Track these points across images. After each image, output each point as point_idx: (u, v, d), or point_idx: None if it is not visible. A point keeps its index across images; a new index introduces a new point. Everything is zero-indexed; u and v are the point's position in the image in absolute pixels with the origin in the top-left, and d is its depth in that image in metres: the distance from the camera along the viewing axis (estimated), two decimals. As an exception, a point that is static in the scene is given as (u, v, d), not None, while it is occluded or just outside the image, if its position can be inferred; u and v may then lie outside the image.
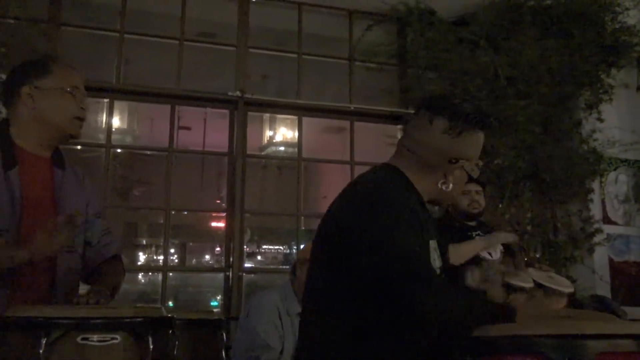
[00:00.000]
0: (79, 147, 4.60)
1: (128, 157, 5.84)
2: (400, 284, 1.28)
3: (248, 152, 4.84)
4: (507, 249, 2.80)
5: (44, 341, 1.04)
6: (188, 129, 7.00)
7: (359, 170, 4.99)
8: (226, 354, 1.51)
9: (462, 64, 4.85)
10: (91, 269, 1.81)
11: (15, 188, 1.63)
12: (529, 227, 4.91)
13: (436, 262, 1.49)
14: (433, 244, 1.50)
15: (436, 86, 4.93)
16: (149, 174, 5.56)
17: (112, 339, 1.09)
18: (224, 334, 1.54)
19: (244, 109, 4.68)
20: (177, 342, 1.23)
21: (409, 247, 1.33)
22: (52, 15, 4.33)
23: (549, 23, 4.70)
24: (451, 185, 1.51)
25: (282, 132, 6.47)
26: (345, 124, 5.03)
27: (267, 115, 6.23)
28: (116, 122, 5.70)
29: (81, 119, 1.77)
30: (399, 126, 5.03)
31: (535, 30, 4.67)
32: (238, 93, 4.64)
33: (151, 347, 1.10)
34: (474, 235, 2.81)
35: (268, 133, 6.57)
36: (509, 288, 2.24)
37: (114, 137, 5.34)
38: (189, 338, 1.42)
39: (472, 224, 2.89)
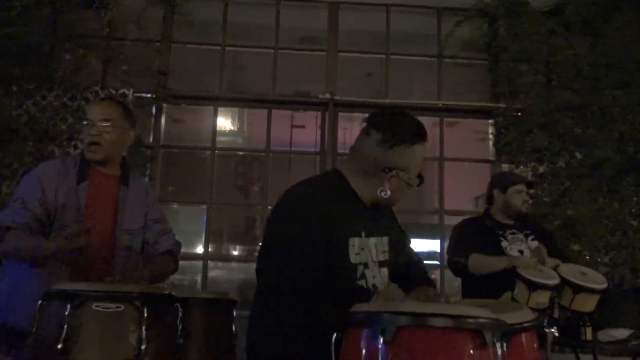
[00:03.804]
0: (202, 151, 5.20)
1: (244, 157, 6.39)
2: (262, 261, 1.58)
3: (345, 150, 5.11)
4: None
5: (68, 306, 1.42)
6: (302, 127, 7.43)
7: (449, 166, 5.05)
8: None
9: (555, 55, 4.71)
10: (148, 260, 2.19)
11: (82, 199, 2.03)
12: (634, 222, 4.64)
13: (371, 256, 1.65)
14: (361, 241, 1.62)
15: (528, 78, 4.84)
16: (266, 172, 5.95)
17: (117, 307, 1.44)
18: (235, 313, 1.85)
19: (334, 110, 4.95)
20: (179, 315, 1.55)
21: (286, 238, 1.52)
22: (164, 35, 4.92)
23: (650, 5, 4.41)
24: (389, 192, 1.61)
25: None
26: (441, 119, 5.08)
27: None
28: (228, 125, 6.28)
29: (93, 144, 2.09)
30: (490, 121, 5.00)
31: (634, 14, 4.40)
32: (328, 95, 4.93)
33: (145, 315, 1.44)
34: (507, 235, 2.80)
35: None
36: (531, 285, 2.26)
37: (225, 139, 5.91)
38: (204, 315, 1.74)
39: (510, 222, 2.87)
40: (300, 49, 5.15)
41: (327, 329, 1.22)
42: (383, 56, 5.07)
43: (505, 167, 4.88)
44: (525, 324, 1.07)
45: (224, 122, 5.90)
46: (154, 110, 4.83)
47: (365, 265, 1.62)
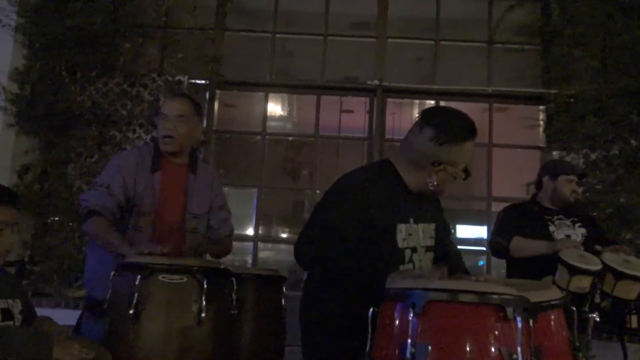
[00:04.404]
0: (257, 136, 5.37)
1: (293, 142, 6.51)
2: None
3: (393, 136, 5.18)
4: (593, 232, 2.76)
5: (138, 277, 1.59)
6: (351, 112, 7.50)
7: (498, 152, 5.03)
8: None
9: (611, 39, 4.60)
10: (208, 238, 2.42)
11: (156, 186, 2.26)
12: None
13: (419, 241, 1.75)
14: (409, 227, 1.73)
15: (582, 64, 4.75)
16: (315, 157, 6.06)
17: (180, 279, 1.60)
18: (284, 288, 2.00)
19: (382, 96, 5.01)
20: (234, 288, 1.69)
21: (325, 217, 1.67)
22: (218, 23, 5.08)
23: None
24: (436, 184, 1.72)
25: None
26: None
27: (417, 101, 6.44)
28: (278, 110, 6.41)
29: (168, 137, 2.29)
30: (541, 107, 4.94)
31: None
32: (376, 81, 4.98)
33: (205, 287, 1.59)
34: (554, 220, 2.81)
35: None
36: (572, 269, 2.29)
37: (276, 124, 6.05)
38: (256, 289, 1.89)
39: (557, 208, 2.87)
40: (350, 35, 5.21)
41: (365, 304, 1.33)
42: (432, 42, 5.07)
43: (555, 154, 4.83)
44: (552, 302, 1.14)
45: (275, 108, 6.04)
46: (207, 96, 5.01)
47: (414, 250, 1.73)
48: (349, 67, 5.29)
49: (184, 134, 2.30)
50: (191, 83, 4.80)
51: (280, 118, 6.14)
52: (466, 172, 1.77)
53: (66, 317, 2.37)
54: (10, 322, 1.57)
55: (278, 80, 5.09)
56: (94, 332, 1.77)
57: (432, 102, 5.20)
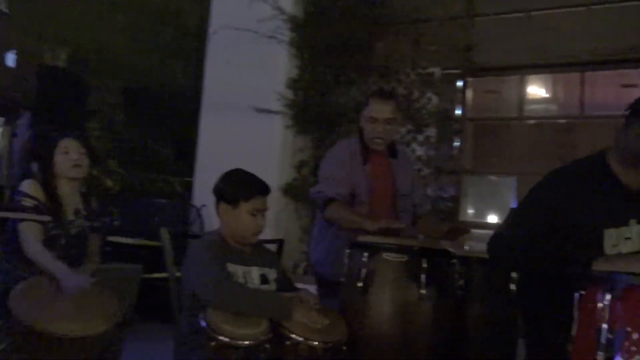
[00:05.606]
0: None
1: (559, 124, 6.06)
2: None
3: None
4: None
5: (366, 254, 1.77)
6: (634, 86, 6.64)
7: None
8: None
9: None
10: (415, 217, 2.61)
11: (369, 175, 2.51)
12: None
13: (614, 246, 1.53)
14: (626, 230, 1.54)
15: None
16: (582, 139, 5.62)
17: (401, 257, 1.72)
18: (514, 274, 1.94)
19: (663, 65, 4.34)
20: (455, 269, 1.74)
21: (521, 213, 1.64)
22: (468, 10, 5.04)
23: None
24: None
25: None
26: None
27: None
28: (538, 92, 6.04)
29: (379, 139, 2.50)
30: None
31: None
32: (654, 49, 4.34)
33: (423, 265, 1.67)
34: None
35: None
36: None
37: (537, 107, 5.72)
38: (484, 273, 1.89)
39: None
40: (619, 0, 4.64)
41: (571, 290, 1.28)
42: None
43: None
44: None
45: (535, 90, 5.70)
46: (460, 84, 5.02)
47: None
48: (619, 37, 4.70)
49: (392, 134, 2.57)
50: (444, 73, 4.88)
51: (542, 100, 5.77)
52: None
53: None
54: (266, 286, 1.91)
55: (535, 60, 4.82)
56: (326, 303, 2.01)
57: None
